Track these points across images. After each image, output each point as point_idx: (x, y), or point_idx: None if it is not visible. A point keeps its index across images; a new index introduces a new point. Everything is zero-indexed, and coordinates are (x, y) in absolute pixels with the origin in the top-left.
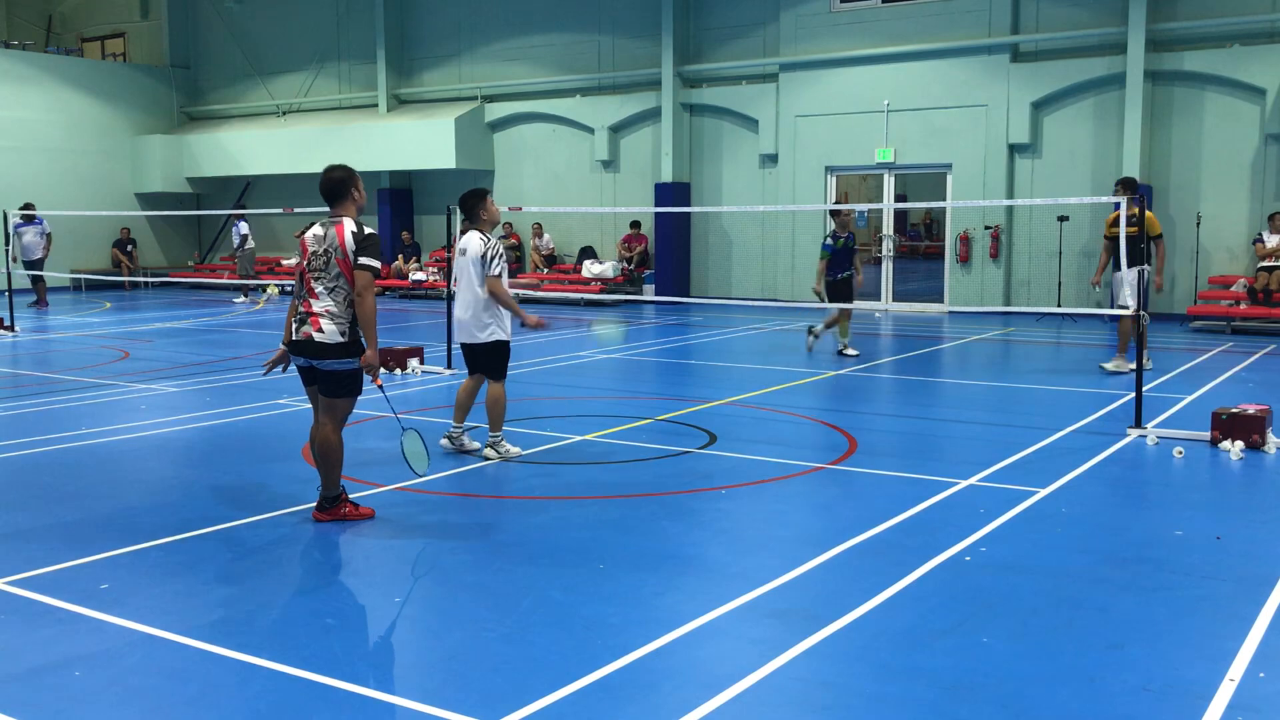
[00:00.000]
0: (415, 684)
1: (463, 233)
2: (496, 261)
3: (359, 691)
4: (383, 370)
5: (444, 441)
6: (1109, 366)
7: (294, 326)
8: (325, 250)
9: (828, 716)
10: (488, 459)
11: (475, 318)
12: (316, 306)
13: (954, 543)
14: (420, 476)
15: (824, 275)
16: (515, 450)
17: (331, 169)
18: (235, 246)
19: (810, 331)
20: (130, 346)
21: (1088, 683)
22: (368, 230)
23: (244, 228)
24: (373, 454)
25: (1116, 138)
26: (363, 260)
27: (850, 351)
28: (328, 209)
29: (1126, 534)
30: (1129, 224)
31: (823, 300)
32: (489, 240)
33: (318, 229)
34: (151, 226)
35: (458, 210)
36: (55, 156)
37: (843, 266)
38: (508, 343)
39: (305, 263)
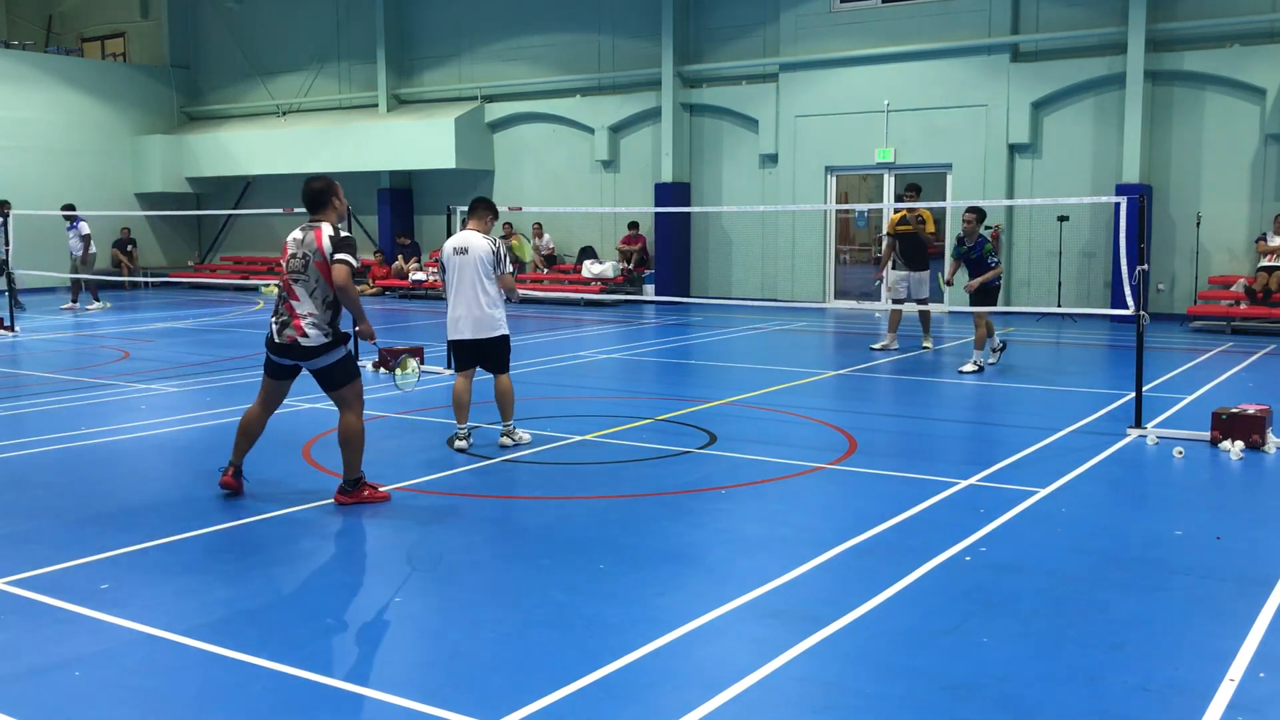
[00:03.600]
0: (415, 684)
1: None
2: (508, 260)
3: (359, 691)
4: (382, 370)
5: (461, 444)
6: (876, 347)
7: (276, 328)
8: (303, 254)
9: (828, 716)
10: (504, 446)
11: (488, 314)
12: (299, 309)
13: (954, 543)
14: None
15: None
16: (526, 436)
17: (312, 180)
18: (80, 250)
19: (993, 349)
20: (130, 346)
21: (1088, 683)
22: (344, 233)
23: (84, 228)
24: (373, 454)
25: (1116, 138)
26: (337, 256)
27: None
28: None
29: (1126, 534)
30: (903, 224)
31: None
32: (495, 240)
33: (297, 233)
34: (151, 226)
35: (461, 211)
36: (55, 156)
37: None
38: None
39: (285, 264)
